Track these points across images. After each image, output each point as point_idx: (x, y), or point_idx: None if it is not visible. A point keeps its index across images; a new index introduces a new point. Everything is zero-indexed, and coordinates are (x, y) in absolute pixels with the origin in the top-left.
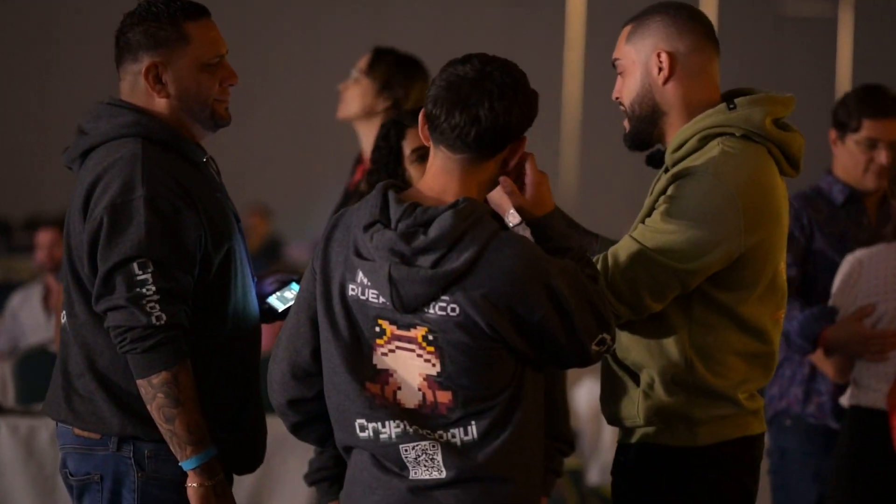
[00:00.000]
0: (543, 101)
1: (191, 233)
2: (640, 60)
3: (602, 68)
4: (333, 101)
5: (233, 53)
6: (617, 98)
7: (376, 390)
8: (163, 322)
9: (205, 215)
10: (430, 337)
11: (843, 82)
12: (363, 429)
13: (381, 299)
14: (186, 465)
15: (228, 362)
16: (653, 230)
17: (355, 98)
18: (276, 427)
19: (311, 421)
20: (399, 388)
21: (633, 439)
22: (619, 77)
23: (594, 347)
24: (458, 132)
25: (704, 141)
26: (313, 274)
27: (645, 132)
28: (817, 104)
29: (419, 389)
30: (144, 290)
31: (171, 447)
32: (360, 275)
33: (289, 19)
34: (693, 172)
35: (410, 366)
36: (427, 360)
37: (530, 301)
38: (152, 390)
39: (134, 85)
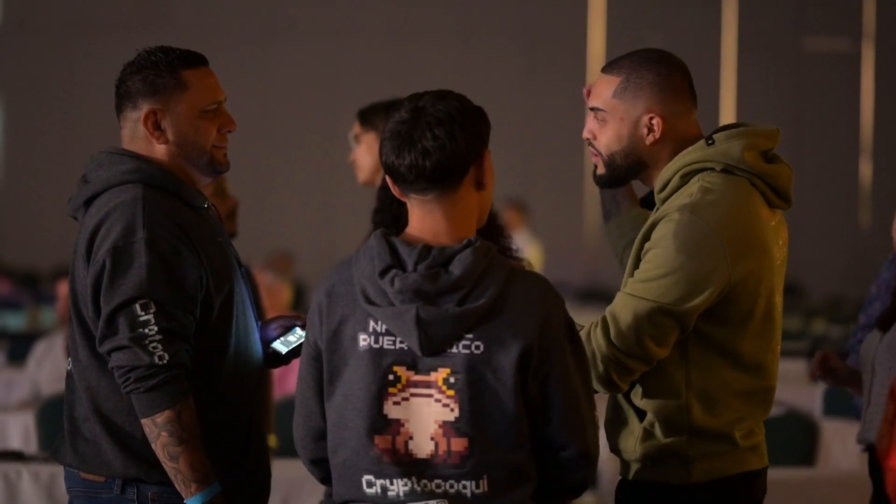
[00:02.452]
0: (566, 135)
1: (191, 273)
2: (630, 118)
3: None
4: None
5: (252, 102)
6: (588, 138)
7: (386, 444)
8: (165, 361)
9: (205, 257)
10: (452, 380)
11: (867, 118)
12: (370, 485)
13: (400, 344)
14: (191, 502)
15: (230, 404)
16: (642, 280)
17: (363, 157)
18: (292, 471)
19: None
20: (411, 438)
21: (630, 476)
22: (594, 119)
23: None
24: (415, 171)
25: (686, 178)
26: (319, 333)
27: (622, 179)
28: (841, 140)
29: (432, 438)
30: (147, 331)
31: (176, 485)
32: (373, 323)
33: (308, 68)
34: (670, 214)
35: (425, 413)
36: (445, 405)
37: (551, 336)
38: (156, 429)
39: (133, 132)
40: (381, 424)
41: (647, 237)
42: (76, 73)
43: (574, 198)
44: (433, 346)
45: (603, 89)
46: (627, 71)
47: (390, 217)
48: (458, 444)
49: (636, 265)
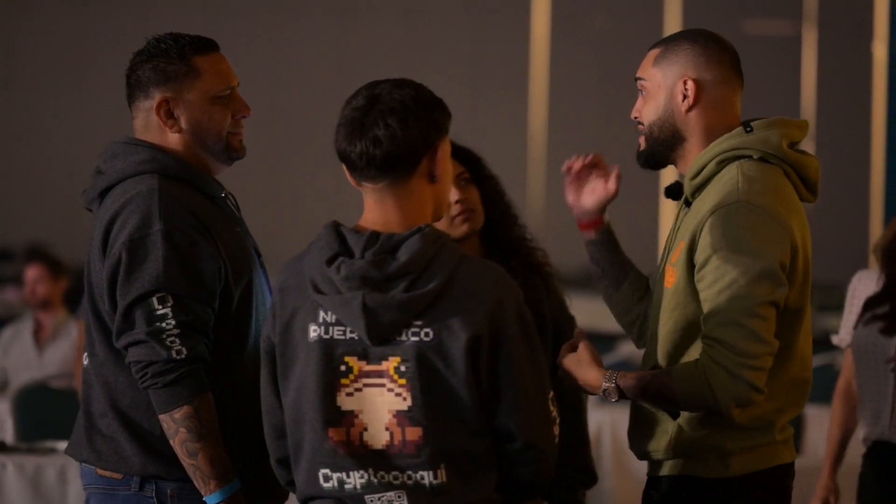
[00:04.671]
0: (509, 116)
1: (209, 265)
2: (666, 85)
3: (567, 78)
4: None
5: None
6: (635, 117)
7: (341, 436)
8: (183, 356)
9: (223, 248)
10: (402, 368)
11: (808, 101)
12: (327, 479)
13: (350, 334)
14: (210, 499)
15: (250, 398)
16: (724, 285)
17: None
18: None
19: None
20: (365, 430)
21: (664, 472)
22: (640, 97)
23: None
24: (366, 158)
25: (722, 164)
26: (272, 328)
27: (660, 154)
28: None
29: (387, 429)
30: (164, 325)
31: (195, 482)
32: (322, 313)
33: (260, 57)
34: (723, 207)
35: (378, 403)
36: (398, 395)
37: (501, 324)
38: (174, 425)
39: (147, 122)
40: (335, 417)
41: (695, 233)
42: (14, 45)
43: (518, 180)
44: (381, 334)
45: (647, 61)
46: (667, 42)
47: None
48: (413, 433)
49: (689, 264)
